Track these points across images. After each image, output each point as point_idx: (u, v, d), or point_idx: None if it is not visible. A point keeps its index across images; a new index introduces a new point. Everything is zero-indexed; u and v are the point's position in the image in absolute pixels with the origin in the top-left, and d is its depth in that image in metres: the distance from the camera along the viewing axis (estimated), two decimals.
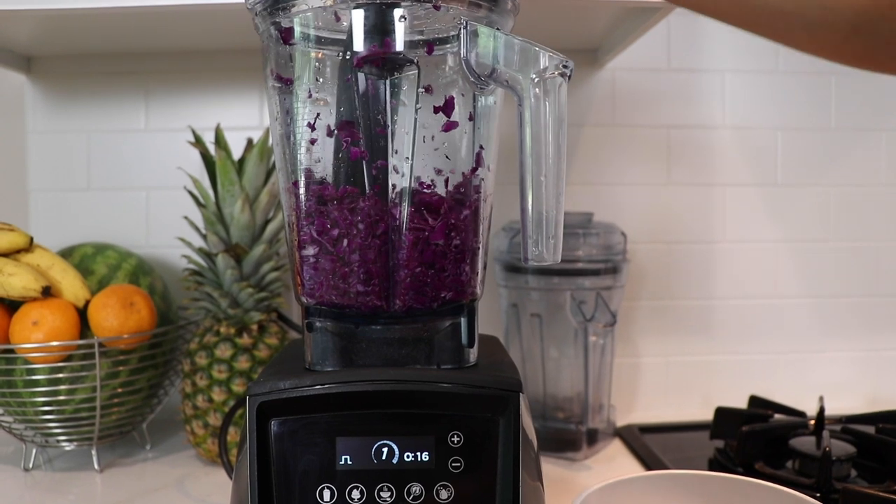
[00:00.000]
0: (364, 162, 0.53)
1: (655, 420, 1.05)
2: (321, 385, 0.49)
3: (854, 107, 1.12)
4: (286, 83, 0.55)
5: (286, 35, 0.55)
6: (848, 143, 1.13)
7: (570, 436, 0.91)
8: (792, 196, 1.12)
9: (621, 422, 1.04)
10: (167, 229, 1.06)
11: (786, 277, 1.13)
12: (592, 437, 0.92)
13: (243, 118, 1.07)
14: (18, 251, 0.87)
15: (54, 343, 0.81)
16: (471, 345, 0.56)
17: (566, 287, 0.92)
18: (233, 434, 0.84)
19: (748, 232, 1.12)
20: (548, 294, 0.93)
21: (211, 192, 0.89)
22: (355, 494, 0.50)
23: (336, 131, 0.53)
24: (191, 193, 0.90)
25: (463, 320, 0.55)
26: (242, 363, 0.85)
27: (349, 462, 0.50)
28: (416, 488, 0.50)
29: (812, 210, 1.13)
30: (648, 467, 0.87)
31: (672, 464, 0.87)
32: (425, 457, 0.50)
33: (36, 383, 0.83)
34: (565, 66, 0.49)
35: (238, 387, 0.85)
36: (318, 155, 0.54)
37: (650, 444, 0.94)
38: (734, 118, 1.11)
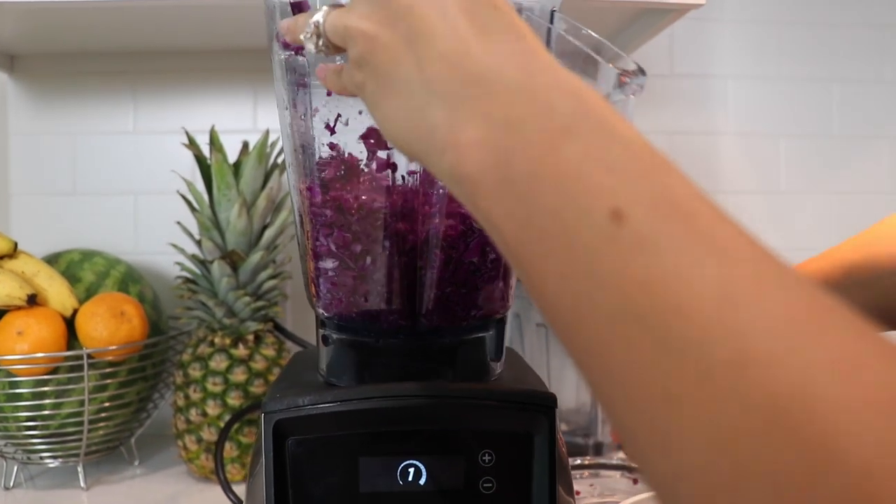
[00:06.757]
0: (391, 171, 0.49)
1: None
2: (344, 401, 0.46)
3: (856, 114, 1.12)
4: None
5: None
6: (850, 150, 1.12)
7: (577, 448, 0.89)
8: (794, 203, 1.11)
9: None
10: (156, 235, 1.02)
11: None
12: (598, 450, 0.90)
13: (236, 121, 1.04)
14: (2, 257, 0.83)
15: (40, 354, 0.77)
16: (498, 358, 0.52)
17: None
18: (228, 449, 0.81)
19: None
20: None
21: (205, 196, 0.85)
22: None
23: (360, 139, 0.49)
24: (184, 198, 0.86)
25: (492, 332, 0.52)
26: (238, 375, 0.82)
27: (373, 484, 0.47)
28: None
29: (814, 218, 1.12)
30: None
31: None
32: (455, 477, 0.47)
33: (19, 397, 0.79)
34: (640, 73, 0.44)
35: (234, 400, 0.81)
36: (338, 161, 0.50)
37: None
38: (737, 124, 1.10)
